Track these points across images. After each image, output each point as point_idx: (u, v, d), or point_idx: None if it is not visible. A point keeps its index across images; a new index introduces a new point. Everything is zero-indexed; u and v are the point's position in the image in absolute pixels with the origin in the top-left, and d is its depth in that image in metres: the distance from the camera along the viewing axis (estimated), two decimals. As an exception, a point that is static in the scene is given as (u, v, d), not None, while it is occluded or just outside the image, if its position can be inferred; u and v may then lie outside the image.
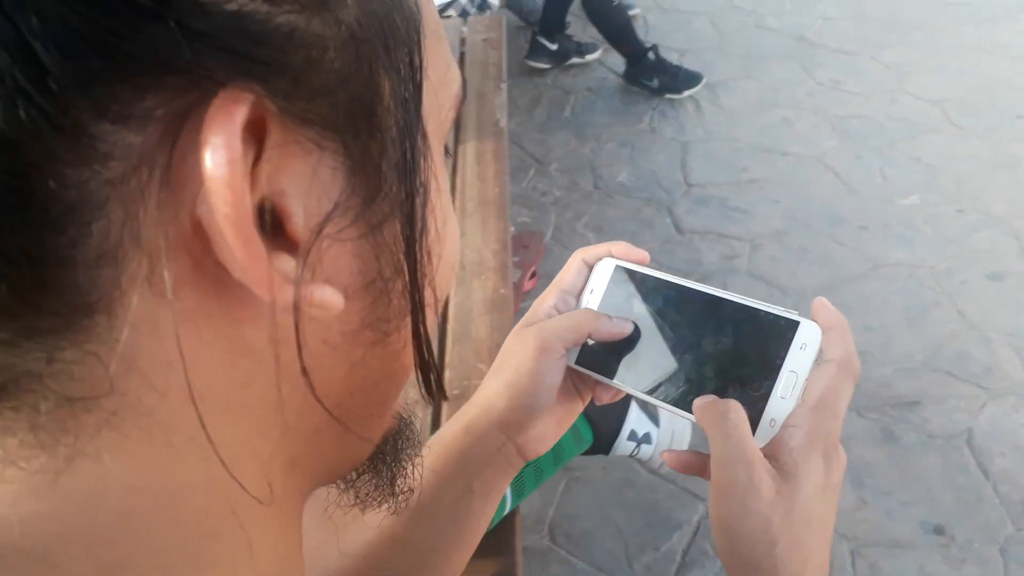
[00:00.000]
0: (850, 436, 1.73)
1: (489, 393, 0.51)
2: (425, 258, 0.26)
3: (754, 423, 0.43)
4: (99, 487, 0.22)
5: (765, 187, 2.48)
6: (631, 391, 0.49)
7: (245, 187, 0.20)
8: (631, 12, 3.40)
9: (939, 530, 1.58)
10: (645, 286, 0.50)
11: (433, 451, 0.51)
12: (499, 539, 0.92)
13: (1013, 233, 2.26)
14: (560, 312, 0.52)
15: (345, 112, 0.22)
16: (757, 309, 0.45)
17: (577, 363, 0.51)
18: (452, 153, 1.66)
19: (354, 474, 0.32)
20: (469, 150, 1.69)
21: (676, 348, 0.48)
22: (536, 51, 3.03)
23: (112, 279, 0.20)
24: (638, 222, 2.36)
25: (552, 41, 3.01)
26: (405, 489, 0.34)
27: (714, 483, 0.43)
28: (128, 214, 0.20)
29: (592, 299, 0.52)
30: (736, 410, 0.43)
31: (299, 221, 0.22)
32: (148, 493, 0.23)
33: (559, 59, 3.06)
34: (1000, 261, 2.17)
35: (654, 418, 1.26)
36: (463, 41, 2.13)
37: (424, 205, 0.26)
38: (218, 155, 0.20)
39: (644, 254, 0.52)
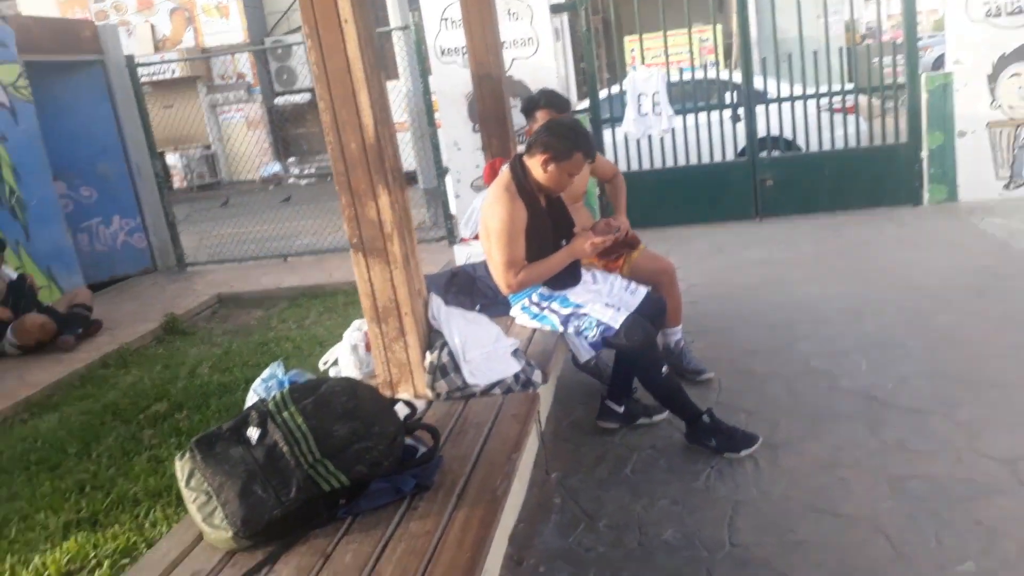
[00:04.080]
0: None
1: None
2: None
3: None
4: None
5: (810, 550, 2.46)
6: None
7: None
8: (705, 376, 3.69)
9: None
10: None
11: None
12: None
13: (1079, 610, 2.07)
14: None
15: None
16: None
17: None
18: (448, 514, 1.91)
19: None
20: (460, 515, 1.94)
21: None
22: (605, 413, 3.33)
23: None
24: (673, 583, 2.41)
25: (619, 404, 3.31)
26: None
27: None
28: None
29: None
30: None
31: None
32: None
33: (627, 420, 3.33)
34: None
35: None
36: (497, 415, 2.48)
37: None
38: None
39: None
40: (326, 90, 2.51)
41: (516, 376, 2.67)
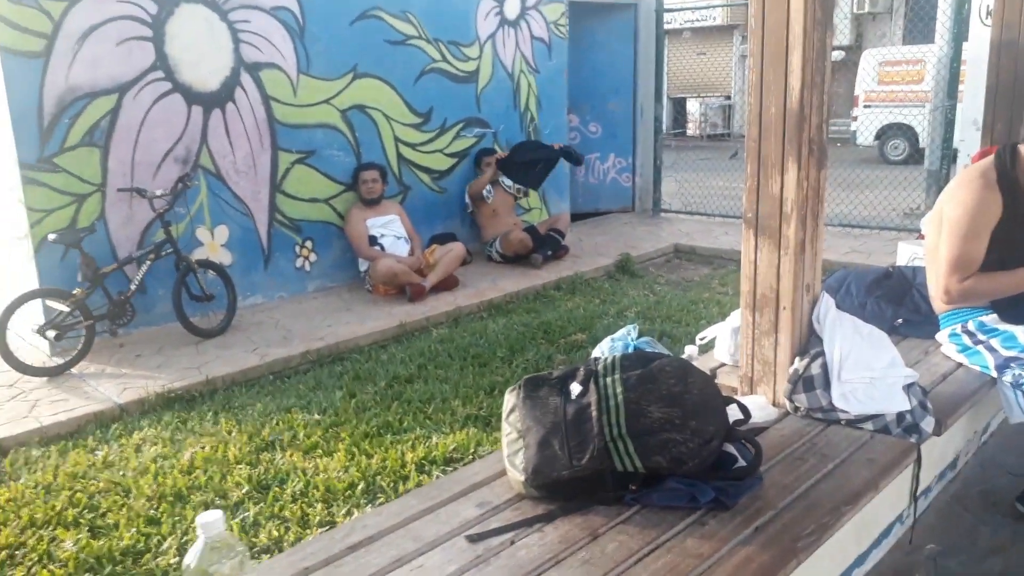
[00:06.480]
0: None
1: None
2: None
3: None
4: None
5: None
6: None
7: None
8: None
9: None
10: None
11: None
12: None
13: None
14: None
15: None
16: None
17: None
18: (732, 545, 1.69)
19: None
20: (744, 552, 1.70)
21: None
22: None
23: None
24: None
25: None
26: None
27: None
28: None
29: None
30: None
31: None
32: None
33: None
34: None
35: None
36: (852, 453, 2.09)
37: None
38: None
39: None
40: (759, 45, 2.29)
41: (900, 416, 2.19)
